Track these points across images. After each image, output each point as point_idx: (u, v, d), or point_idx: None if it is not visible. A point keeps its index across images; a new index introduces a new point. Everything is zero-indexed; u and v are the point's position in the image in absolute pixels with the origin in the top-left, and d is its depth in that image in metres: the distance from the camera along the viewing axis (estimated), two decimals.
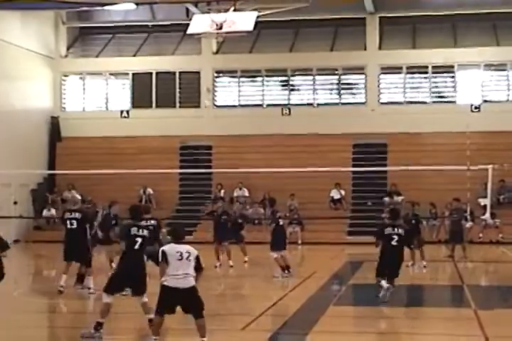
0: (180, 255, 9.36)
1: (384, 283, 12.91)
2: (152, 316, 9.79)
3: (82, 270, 14.50)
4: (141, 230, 10.39)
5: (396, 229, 12.99)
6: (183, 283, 9.30)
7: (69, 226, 14.22)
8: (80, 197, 18.17)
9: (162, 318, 9.41)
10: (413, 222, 18.27)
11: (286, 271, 16.44)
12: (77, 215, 14.24)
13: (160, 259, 9.43)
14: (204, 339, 9.38)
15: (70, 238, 14.23)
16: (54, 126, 31.41)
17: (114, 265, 14.72)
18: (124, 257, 10.29)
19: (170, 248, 9.52)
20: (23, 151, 28.36)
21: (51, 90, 31.74)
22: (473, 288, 15.23)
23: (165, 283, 9.34)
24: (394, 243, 12.86)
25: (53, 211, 28.40)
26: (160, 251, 9.47)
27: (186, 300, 9.36)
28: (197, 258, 9.46)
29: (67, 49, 32.73)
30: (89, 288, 14.10)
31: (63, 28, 32.35)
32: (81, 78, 32.42)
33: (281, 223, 17.17)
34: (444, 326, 11.44)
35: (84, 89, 32.33)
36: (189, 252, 9.43)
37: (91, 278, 14.22)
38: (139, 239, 10.30)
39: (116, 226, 15.62)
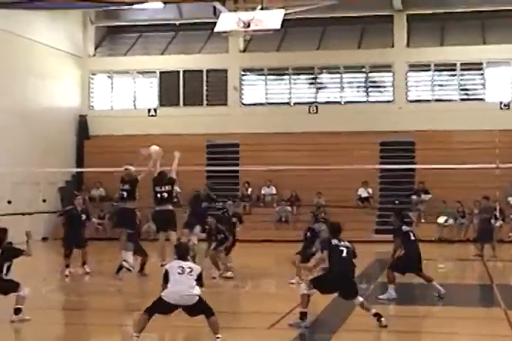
0: (182, 269, 9.45)
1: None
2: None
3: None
4: None
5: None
6: (186, 300, 9.36)
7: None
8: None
9: (149, 318, 9.43)
10: None
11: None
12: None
13: (162, 280, 9.60)
14: (218, 335, 9.39)
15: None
16: (82, 124, 31.63)
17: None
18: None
19: (173, 264, 9.69)
20: (51, 149, 28.57)
21: (79, 89, 31.96)
22: (503, 287, 15.10)
23: (165, 298, 9.38)
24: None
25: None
26: (164, 271, 9.68)
27: (191, 311, 9.47)
28: (199, 275, 9.55)
29: (95, 48, 32.92)
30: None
31: (91, 27, 32.55)
32: (109, 77, 32.60)
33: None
34: (473, 326, 11.36)
35: (112, 87, 32.50)
36: (191, 268, 9.54)
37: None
38: None
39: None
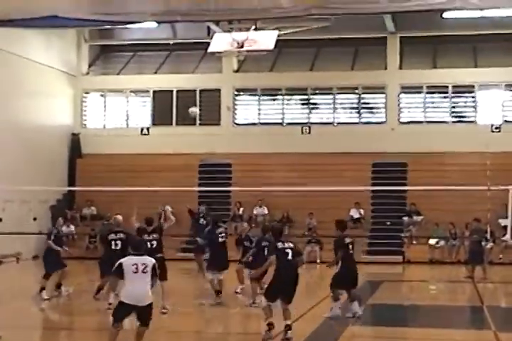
0: (136, 268, 9.71)
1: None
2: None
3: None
4: None
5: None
6: (142, 299, 9.65)
7: (113, 247, 14.77)
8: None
9: (117, 327, 9.83)
10: None
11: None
12: (122, 236, 14.89)
13: (113, 270, 9.96)
14: None
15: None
16: (75, 142, 31.59)
17: None
18: None
19: (127, 260, 9.91)
20: (43, 168, 28.52)
21: (72, 107, 31.97)
22: (493, 309, 15.09)
23: (124, 300, 9.71)
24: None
25: (72, 227, 28.45)
26: (117, 263, 9.94)
27: (142, 314, 9.78)
28: (153, 267, 9.85)
29: (89, 66, 32.99)
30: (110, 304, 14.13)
31: (85, 45, 32.64)
32: (102, 95, 32.64)
33: (220, 240, 15.95)
34: None
35: (105, 106, 32.53)
36: (145, 264, 9.78)
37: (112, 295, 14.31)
38: None
39: None
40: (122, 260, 9.94)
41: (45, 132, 29.49)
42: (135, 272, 9.69)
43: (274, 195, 27.68)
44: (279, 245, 11.60)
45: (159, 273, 10.99)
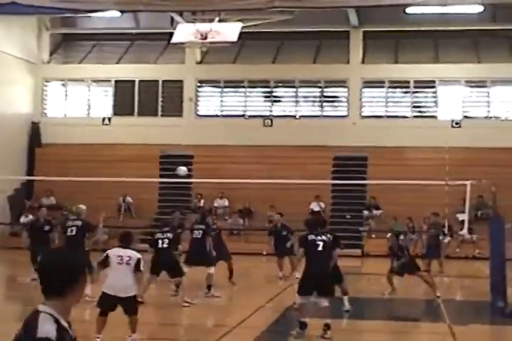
0: (121, 259, 10.14)
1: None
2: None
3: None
4: None
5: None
6: (123, 290, 10.00)
7: (69, 233, 14.90)
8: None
9: (103, 316, 10.12)
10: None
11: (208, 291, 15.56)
12: (78, 223, 15.01)
13: (100, 259, 10.42)
14: (132, 335, 10.11)
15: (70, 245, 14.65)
16: (34, 131, 31.25)
17: None
18: None
19: (113, 251, 10.40)
20: (1, 157, 28.17)
21: (32, 96, 31.60)
22: (448, 302, 15.28)
23: (105, 291, 10.12)
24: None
25: (31, 217, 28.15)
26: (104, 253, 10.46)
27: (127, 304, 10.07)
28: (138, 261, 10.20)
29: (50, 55, 32.63)
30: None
31: (46, 33, 32.26)
32: (63, 84, 32.31)
33: (194, 236, 16.18)
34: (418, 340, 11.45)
35: (66, 95, 32.21)
36: (130, 257, 10.17)
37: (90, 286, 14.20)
38: None
39: None
40: (109, 251, 10.43)
41: (4, 120, 29.10)
42: (119, 263, 10.09)
43: (235, 188, 27.65)
44: (310, 237, 11.33)
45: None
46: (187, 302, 13.95)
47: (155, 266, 14.23)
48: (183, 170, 16.70)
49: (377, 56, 30.77)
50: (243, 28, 20.69)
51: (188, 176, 28.87)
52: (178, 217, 19.14)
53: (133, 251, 10.35)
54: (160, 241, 14.61)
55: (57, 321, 3.59)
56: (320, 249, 11.10)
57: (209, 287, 15.44)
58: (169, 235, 14.70)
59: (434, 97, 30.26)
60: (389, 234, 18.18)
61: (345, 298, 13.62)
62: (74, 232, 14.93)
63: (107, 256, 10.27)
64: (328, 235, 11.69)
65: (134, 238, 11.04)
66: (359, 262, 25.25)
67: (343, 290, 13.71)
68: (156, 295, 15.10)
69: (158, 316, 13.70)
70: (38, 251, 17.11)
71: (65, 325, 3.63)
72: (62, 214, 25.64)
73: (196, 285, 15.68)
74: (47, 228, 17.56)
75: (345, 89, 30.68)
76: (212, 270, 15.62)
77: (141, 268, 10.29)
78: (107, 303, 10.10)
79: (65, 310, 3.67)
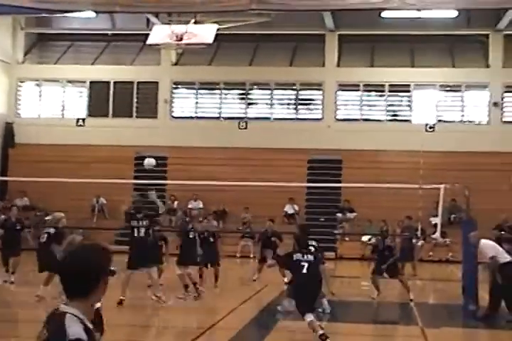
0: None
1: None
2: None
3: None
4: None
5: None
6: None
7: (41, 239, 15.05)
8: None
9: None
10: None
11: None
12: (51, 230, 15.01)
13: None
14: None
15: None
16: (8, 132, 31.03)
17: None
18: None
19: None
20: None
21: (6, 96, 31.37)
22: (421, 305, 15.37)
23: None
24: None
25: (3, 217, 27.92)
26: None
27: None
28: None
29: (25, 55, 32.42)
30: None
31: (21, 33, 32.05)
32: (37, 85, 32.11)
33: (190, 236, 16.26)
34: None
35: (40, 95, 32.02)
36: None
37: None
38: None
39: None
40: None
41: None
42: None
43: (209, 190, 27.57)
44: (296, 256, 10.88)
45: None
46: (156, 296, 13.94)
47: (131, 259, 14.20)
48: (151, 161, 16.34)
49: (353, 59, 30.90)
50: (219, 29, 20.68)
51: (163, 178, 28.85)
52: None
53: None
54: (136, 230, 14.53)
55: (82, 322, 3.55)
56: (304, 271, 10.75)
57: (186, 286, 15.39)
58: (145, 223, 14.63)
59: (409, 101, 30.45)
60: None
61: (324, 300, 13.64)
62: (44, 239, 14.94)
63: None
64: (311, 256, 11.04)
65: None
66: (333, 265, 25.32)
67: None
68: (131, 296, 15.04)
69: (131, 318, 13.65)
70: (8, 251, 17.10)
71: (90, 325, 3.59)
72: (36, 215, 25.51)
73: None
74: (18, 226, 17.55)
75: (321, 92, 30.78)
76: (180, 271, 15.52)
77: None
78: None
79: (88, 310, 3.63)
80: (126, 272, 14.14)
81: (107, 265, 3.72)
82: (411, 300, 15.64)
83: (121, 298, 13.83)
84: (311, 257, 10.94)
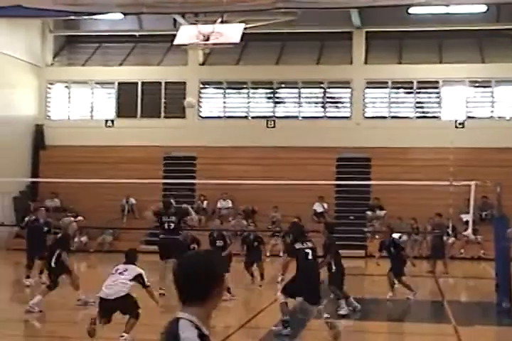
0: (116, 270, 10.76)
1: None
2: None
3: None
4: None
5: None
6: (110, 291, 10.43)
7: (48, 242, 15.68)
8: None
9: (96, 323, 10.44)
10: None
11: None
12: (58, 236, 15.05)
13: None
14: (124, 335, 10.31)
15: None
16: (38, 134, 31.30)
17: None
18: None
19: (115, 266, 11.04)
20: (6, 159, 28.17)
21: (36, 98, 31.64)
22: (453, 303, 15.25)
23: (99, 295, 10.58)
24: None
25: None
26: None
27: (121, 306, 10.41)
28: (140, 276, 10.69)
29: (54, 57, 32.68)
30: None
31: (50, 36, 32.31)
32: (66, 87, 32.34)
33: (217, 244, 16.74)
34: None
35: (69, 97, 32.23)
36: (126, 269, 10.73)
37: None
38: None
39: None
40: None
41: (8, 123, 29.13)
42: (112, 273, 10.73)
43: (238, 189, 27.66)
44: (298, 245, 11.60)
45: None
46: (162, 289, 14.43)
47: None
48: (190, 101, 16.41)
49: (380, 56, 30.74)
50: (245, 29, 20.65)
51: (192, 177, 28.92)
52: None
53: (131, 266, 10.82)
54: (166, 224, 15.39)
55: (197, 328, 3.49)
56: (310, 257, 11.41)
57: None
58: (174, 218, 15.22)
59: (438, 97, 30.23)
60: (397, 235, 18.03)
61: (343, 301, 13.55)
62: (50, 243, 15.06)
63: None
64: (310, 243, 11.75)
65: (137, 255, 11.29)
66: (362, 263, 25.22)
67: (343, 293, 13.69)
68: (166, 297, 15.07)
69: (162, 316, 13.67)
70: (34, 253, 17.09)
71: (207, 332, 3.52)
72: (66, 216, 25.63)
73: None
74: (45, 229, 17.51)
75: (349, 90, 30.65)
76: None
77: (147, 283, 10.77)
78: (104, 308, 10.44)
79: (206, 316, 3.56)
80: (160, 263, 14.44)
81: (223, 271, 3.70)
82: (408, 298, 15.50)
83: (161, 291, 14.04)
84: (310, 244, 11.67)
